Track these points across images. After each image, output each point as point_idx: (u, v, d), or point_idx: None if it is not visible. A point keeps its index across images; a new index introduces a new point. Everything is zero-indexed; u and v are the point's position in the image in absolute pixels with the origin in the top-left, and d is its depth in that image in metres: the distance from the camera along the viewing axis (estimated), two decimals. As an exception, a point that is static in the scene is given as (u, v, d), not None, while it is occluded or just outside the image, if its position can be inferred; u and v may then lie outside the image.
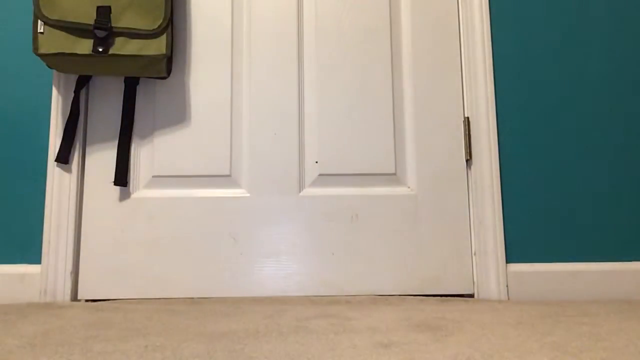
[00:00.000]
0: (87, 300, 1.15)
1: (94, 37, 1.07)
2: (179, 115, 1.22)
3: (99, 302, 1.10)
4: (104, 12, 1.08)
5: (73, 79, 1.20)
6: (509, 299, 1.15)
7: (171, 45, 1.13)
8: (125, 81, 1.20)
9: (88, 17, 1.07)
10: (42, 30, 1.07)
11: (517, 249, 1.18)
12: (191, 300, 1.11)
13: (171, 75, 1.23)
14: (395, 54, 1.26)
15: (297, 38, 1.26)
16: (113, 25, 1.08)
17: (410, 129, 1.24)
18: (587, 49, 1.24)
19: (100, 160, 1.20)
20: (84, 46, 1.08)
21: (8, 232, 1.17)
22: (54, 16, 1.07)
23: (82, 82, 1.19)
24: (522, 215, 1.19)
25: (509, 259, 1.17)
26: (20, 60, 1.22)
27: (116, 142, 1.20)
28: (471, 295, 1.17)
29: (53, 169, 1.17)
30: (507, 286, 1.15)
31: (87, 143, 1.21)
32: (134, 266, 1.16)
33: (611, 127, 1.22)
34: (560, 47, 1.24)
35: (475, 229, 1.18)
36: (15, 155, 1.19)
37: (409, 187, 1.22)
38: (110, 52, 1.08)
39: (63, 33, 1.07)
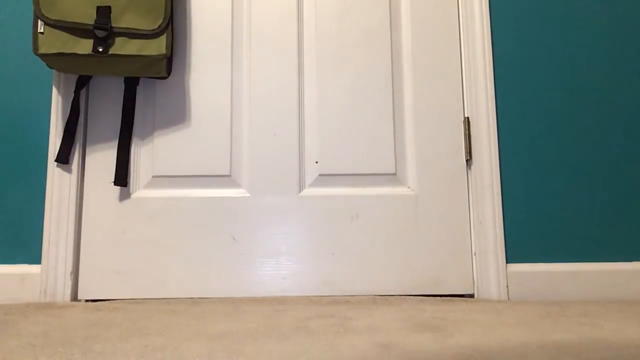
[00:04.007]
0: (87, 300, 1.15)
1: (94, 37, 1.07)
2: (179, 115, 1.22)
3: (99, 302, 1.10)
4: (104, 12, 1.08)
5: (73, 79, 1.20)
6: (509, 299, 1.15)
7: (171, 45, 1.13)
8: (125, 81, 1.20)
9: (88, 17, 1.07)
10: (42, 30, 1.07)
11: (517, 249, 1.18)
12: (191, 300, 1.11)
13: (171, 75, 1.23)
14: (395, 54, 1.26)
15: (297, 38, 1.26)
16: (113, 25, 1.08)
17: (410, 129, 1.24)
18: (588, 48, 1.24)
19: (100, 160, 1.20)
20: (84, 46, 1.08)
21: (8, 232, 1.17)
22: (54, 16, 1.07)
23: (82, 82, 1.19)
24: (522, 215, 1.19)
25: (509, 259, 1.17)
26: (20, 60, 1.22)
27: (116, 142, 1.20)
28: (471, 295, 1.17)
29: (53, 169, 1.17)
30: (507, 286, 1.15)
31: (87, 143, 1.21)
32: (134, 266, 1.16)
33: (611, 127, 1.22)
34: (560, 47, 1.24)
35: (475, 229, 1.18)
36: (15, 155, 1.19)
37: (409, 187, 1.22)
38: (110, 52, 1.08)
39: (63, 33, 1.07)
